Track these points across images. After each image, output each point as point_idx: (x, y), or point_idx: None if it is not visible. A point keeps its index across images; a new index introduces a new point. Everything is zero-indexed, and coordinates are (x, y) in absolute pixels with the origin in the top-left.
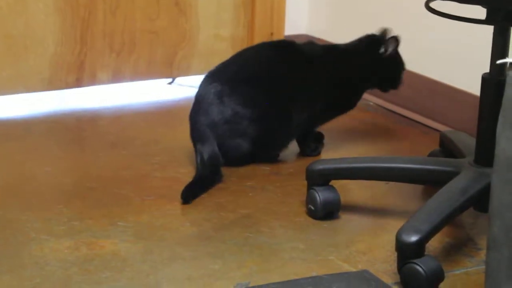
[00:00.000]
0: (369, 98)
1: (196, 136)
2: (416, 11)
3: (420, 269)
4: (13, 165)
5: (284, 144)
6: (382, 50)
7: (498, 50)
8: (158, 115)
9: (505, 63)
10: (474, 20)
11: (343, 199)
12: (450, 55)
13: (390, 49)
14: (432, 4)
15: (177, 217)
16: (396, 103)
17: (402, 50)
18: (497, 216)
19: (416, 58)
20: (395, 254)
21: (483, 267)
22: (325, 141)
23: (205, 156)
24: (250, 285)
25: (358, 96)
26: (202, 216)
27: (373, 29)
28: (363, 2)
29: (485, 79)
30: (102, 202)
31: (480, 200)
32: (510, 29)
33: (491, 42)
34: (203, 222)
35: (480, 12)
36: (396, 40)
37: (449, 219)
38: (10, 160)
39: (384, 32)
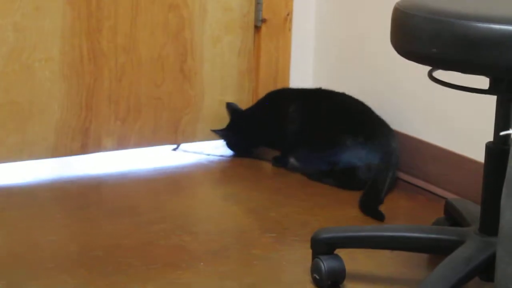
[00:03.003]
0: None
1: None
2: (420, 78)
3: None
4: (17, 233)
5: None
6: None
7: (501, 119)
8: (162, 181)
9: (508, 134)
10: (477, 90)
11: (348, 267)
12: (454, 122)
13: None
14: (435, 74)
15: (182, 286)
16: (401, 170)
17: (408, 116)
18: None
19: (420, 125)
20: None
21: None
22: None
23: None
24: None
25: None
26: (206, 285)
27: (377, 91)
28: (369, 66)
29: (489, 147)
30: (106, 271)
31: (485, 270)
32: None
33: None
34: None
35: (483, 81)
36: None
37: None
38: (15, 228)
39: None
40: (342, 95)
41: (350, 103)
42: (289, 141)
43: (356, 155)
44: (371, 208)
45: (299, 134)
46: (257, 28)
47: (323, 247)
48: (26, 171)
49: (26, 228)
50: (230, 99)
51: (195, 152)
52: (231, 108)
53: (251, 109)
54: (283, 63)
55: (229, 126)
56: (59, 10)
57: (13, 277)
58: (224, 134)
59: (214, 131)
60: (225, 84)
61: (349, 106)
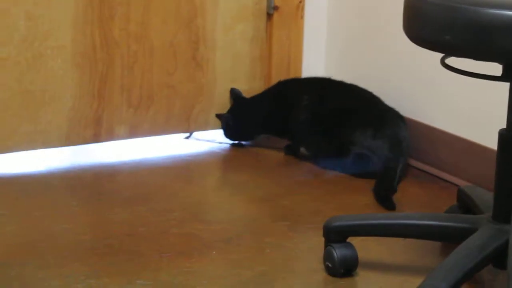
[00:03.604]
0: None
1: None
2: (433, 65)
3: None
4: (31, 221)
5: None
6: None
7: None
8: (175, 170)
9: None
10: (489, 77)
11: (361, 255)
12: (467, 109)
13: None
14: (447, 61)
15: (195, 275)
16: (413, 157)
17: (420, 104)
18: None
19: (433, 112)
20: None
21: None
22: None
23: None
24: None
25: None
26: (219, 273)
27: (389, 78)
28: (381, 53)
29: (502, 135)
30: (119, 259)
31: (498, 257)
32: None
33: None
34: (220, 279)
35: (496, 68)
36: None
37: (468, 276)
38: (29, 216)
39: None
40: (352, 86)
41: (359, 94)
42: (299, 130)
43: (367, 146)
44: (383, 197)
45: (310, 124)
46: (269, 16)
47: (335, 235)
48: (39, 159)
49: (40, 216)
50: (243, 87)
51: (207, 140)
52: (235, 94)
53: (257, 97)
54: (295, 51)
55: (230, 110)
56: None
57: (26, 265)
58: (225, 118)
59: (217, 115)
60: (237, 72)
61: (358, 97)
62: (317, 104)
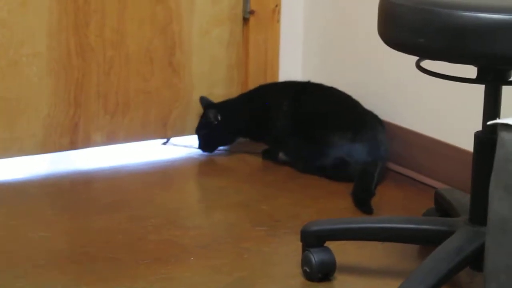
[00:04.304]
0: None
1: None
2: (409, 68)
3: None
4: (7, 230)
5: None
6: None
7: (490, 108)
8: (152, 176)
9: (496, 124)
10: (465, 80)
11: (339, 259)
12: (443, 112)
13: None
14: (423, 64)
15: (173, 281)
16: (391, 160)
17: (398, 107)
18: (492, 278)
19: (410, 115)
20: None
21: None
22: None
23: None
24: None
25: None
26: (197, 279)
27: (366, 82)
28: (359, 57)
29: (478, 137)
30: (97, 267)
31: (476, 259)
32: (501, 88)
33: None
34: (198, 286)
35: (471, 70)
36: None
37: (446, 279)
38: (4, 225)
39: None
40: (331, 89)
41: (338, 98)
42: (278, 135)
43: (345, 150)
44: (361, 201)
45: (288, 128)
46: (245, 20)
47: (313, 239)
48: (15, 167)
49: (16, 225)
50: (220, 92)
51: (185, 146)
52: (205, 102)
53: (235, 101)
54: (272, 55)
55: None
56: (45, 5)
57: (3, 275)
58: (213, 113)
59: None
60: (214, 77)
61: (337, 101)
62: (296, 108)
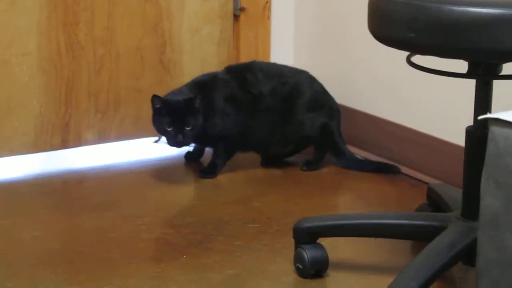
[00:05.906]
0: (355, 150)
1: None
2: (400, 63)
3: None
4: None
5: None
6: None
7: (481, 103)
8: (144, 174)
9: (487, 118)
10: (455, 74)
11: (331, 256)
12: (434, 107)
13: None
14: (413, 59)
15: (165, 280)
16: (383, 156)
17: (388, 101)
18: (485, 274)
19: (401, 110)
20: None
21: None
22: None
23: None
24: None
25: None
26: (189, 278)
27: (357, 77)
28: (349, 52)
29: (469, 132)
30: (89, 266)
31: (468, 255)
32: (491, 82)
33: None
34: (190, 284)
35: (462, 65)
36: None
37: (438, 274)
38: None
39: None
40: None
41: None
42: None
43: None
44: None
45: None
46: (236, 17)
47: (305, 236)
48: (7, 167)
49: (8, 225)
50: None
51: None
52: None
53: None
54: (262, 52)
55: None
56: (35, 4)
57: None
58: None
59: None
60: None
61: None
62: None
